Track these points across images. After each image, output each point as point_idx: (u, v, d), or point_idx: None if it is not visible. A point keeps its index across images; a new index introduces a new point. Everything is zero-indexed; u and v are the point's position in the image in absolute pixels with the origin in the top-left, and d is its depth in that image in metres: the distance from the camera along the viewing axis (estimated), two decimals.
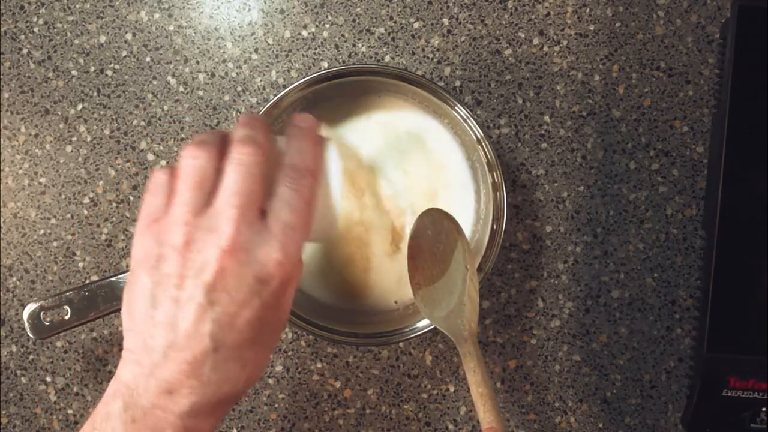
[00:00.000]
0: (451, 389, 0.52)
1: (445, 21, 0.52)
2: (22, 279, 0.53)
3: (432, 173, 0.49)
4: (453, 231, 0.44)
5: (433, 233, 0.44)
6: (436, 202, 0.49)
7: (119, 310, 0.47)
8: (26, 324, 0.46)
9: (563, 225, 0.52)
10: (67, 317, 0.46)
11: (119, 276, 0.47)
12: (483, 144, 0.46)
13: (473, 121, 0.45)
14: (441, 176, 0.49)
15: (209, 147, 0.33)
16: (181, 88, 0.53)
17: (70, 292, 0.46)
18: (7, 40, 0.53)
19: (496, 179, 0.46)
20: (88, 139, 0.53)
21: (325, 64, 0.53)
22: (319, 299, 0.50)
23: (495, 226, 0.46)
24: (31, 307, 0.46)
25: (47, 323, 0.46)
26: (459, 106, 0.45)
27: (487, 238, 0.47)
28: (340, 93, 0.49)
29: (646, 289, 0.52)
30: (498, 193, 0.46)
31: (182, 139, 0.53)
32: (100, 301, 0.46)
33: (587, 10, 0.52)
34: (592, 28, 0.52)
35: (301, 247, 0.33)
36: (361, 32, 0.52)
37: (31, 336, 0.46)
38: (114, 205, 0.53)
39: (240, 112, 0.52)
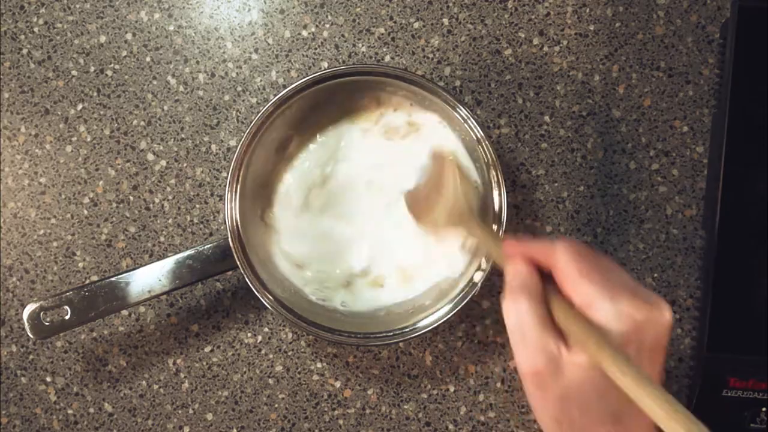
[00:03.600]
0: (451, 389, 0.52)
1: (445, 21, 0.52)
2: (22, 279, 0.53)
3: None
4: (437, 163, 0.47)
5: (423, 175, 0.47)
6: None
7: (119, 310, 0.47)
8: (26, 324, 0.46)
9: (563, 225, 0.52)
10: (67, 317, 0.46)
11: (119, 276, 0.47)
12: (483, 144, 0.46)
13: (473, 121, 0.45)
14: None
15: None
16: (181, 88, 0.53)
17: (70, 292, 0.46)
18: (7, 40, 0.53)
19: (496, 179, 0.46)
20: (88, 139, 0.53)
21: (325, 64, 0.53)
22: (319, 300, 0.50)
23: (495, 226, 0.46)
24: (31, 308, 0.46)
25: (47, 323, 0.46)
26: (459, 106, 0.45)
27: None
28: (340, 93, 0.49)
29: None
30: (498, 193, 0.46)
31: (182, 139, 0.53)
32: (101, 301, 0.46)
33: (587, 10, 0.52)
34: (592, 28, 0.52)
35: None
36: (361, 32, 0.52)
37: (31, 336, 0.46)
38: (114, 205, 0.53)
39: (240, 112, 0.52)
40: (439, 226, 0.46)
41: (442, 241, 0.48)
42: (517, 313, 0.32)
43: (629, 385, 0.28)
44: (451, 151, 0.48)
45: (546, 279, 0.33)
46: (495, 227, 0.46)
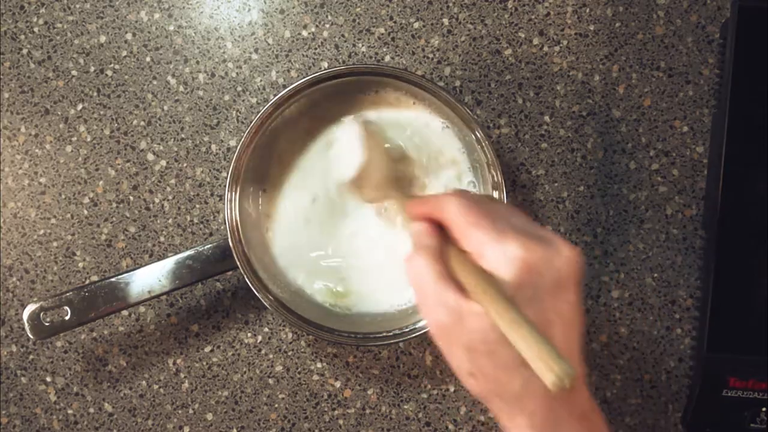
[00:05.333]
0: (451, 389, 0.52)
1: (445, 21, 0.52)
2: (22, 279, 0.53)
3: (432, 173, 0.49)
4: (367, 134, 0.46)
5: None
6: None
7: (119, 310, 0.47)
8: (26, 325, 0.46)
9: (563, 225, 0.52)
10: (67, 318, 0.46)
11: (119, 276, 0.47)
12: (483, 144, 0.46)
13: (474, 121, 0.45)
14: (441, 176, 0.49)
15: None
16: (181, 88, 0.53)
17: (70, 293, 0.46)
18: (7, 40, 0.53)
19: (496, 179, 0.46)
20: (88, 139, 0.53)
21: (325, 64, 0.53)
22: (320, 300, 0.50)
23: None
24: (31, 308, 0.46)
25: (47, 324, 0.46)
26: (459, 106, 0.45)
27: None
28: (340, 93, 0.49)
29: (646, 289, 0.52)
30: (498, 193, 0.46)
31: (182, 139, 0.53)
32: (101, 301, 0.46)
33: (587, 10, 0.52)
34: (592, 28, 0.52)
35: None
36: (361, 32, 0.52)
37: (31, 337, 0.46)
38: (114, 205, 0.53)
39: (240, 112, 0.52)
40: (378, 197, 0.46)
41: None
42: (415, 270, 0.32)
43: (506, 329, 0.28)
44: (372, 120, 0.48)
45: (446, 234, 0.33)
46: None
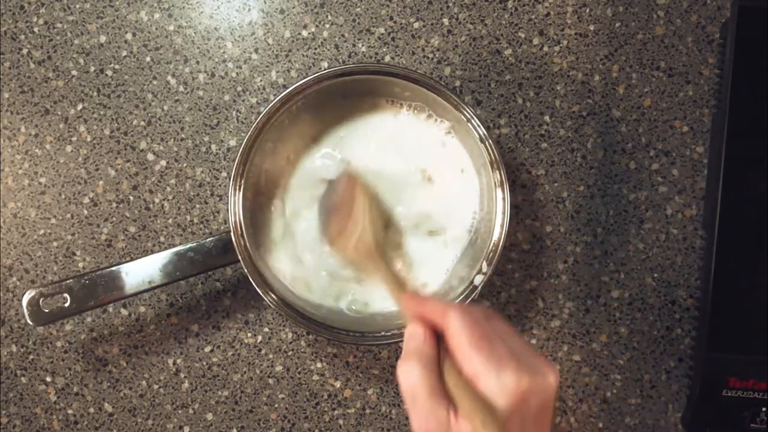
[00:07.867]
0: None
1: (445, 21, 0.52)
2: (22, 279, 0.53)
3: (434, 172, 0.49)
4: (350, 184, 0.47)
5: (336, 195, 0.47)
6: (437, 201, 0.49)
7: (119, 299, 0.47)
8: (25, 311, 0.46)
9: (563, 225, 0.52)
10: (66, 305, 0.46)
11: (120, 266, 0.47)
12: (486, 143, 0.45)
13: (476, 120, 0.45)
14: (443, 175, 0.49)
15: None
16: (181, 88, 0.53)
17: (70, 280, 0.46)
18: (7, 40, 0.53)
19: (498, 178, 0.46)
20: (88, 139, 0.53)
21: (325, 64, 0.53)
22: (321, 303, 0.50)
23: (497, 226, 0.46)
24: (30, 294, 0.46)
25: (46, 311, 0.46)
26: (462, 105, 0.45)
27: (488, 238, 0.47)
28: (340, 93, 0.49)
29: (646, 289, 0.52)
30: (501, 192, 0.46)
31: (182, 139, 0.53)
32: (100, 290, 0.46)
33: (587, 10, 0.52)
34: (592, 28, 0.52)
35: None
36: (361, 32, 0.52)
37: (29, 323, 0.46)
38: (114, 205, 0.53)
39: (240, 112, 0.52)
40: (347, 254, 0.46)
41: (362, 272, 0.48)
42: (409, 378, 0.33)
43: None
44: (365, 174, 0.49)
45: (442, 342, 0.34)
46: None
